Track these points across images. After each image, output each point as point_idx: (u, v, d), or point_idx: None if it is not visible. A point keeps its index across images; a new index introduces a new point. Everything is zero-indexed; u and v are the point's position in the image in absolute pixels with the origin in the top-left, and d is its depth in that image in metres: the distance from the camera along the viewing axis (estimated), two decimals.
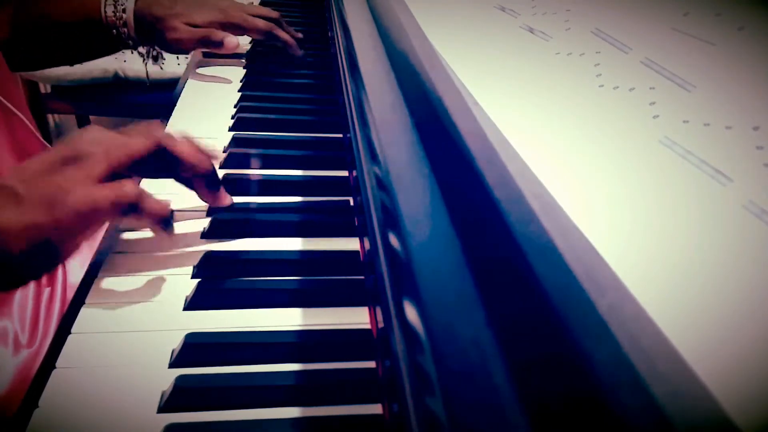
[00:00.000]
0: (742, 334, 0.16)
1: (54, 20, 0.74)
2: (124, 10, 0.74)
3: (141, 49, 0.79)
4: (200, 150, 0.47)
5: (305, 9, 1.11)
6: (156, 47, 0.82)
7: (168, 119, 0.69)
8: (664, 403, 0.14)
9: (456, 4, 0.51)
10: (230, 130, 0.66)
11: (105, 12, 0.74)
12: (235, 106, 0.72)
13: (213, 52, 0.80)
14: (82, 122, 1.77)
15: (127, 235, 0.48)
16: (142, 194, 0.41)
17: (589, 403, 0.16)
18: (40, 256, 0.39)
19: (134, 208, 0.41)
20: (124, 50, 0.81)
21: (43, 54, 0.80)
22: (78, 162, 0.40)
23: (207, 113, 0.71)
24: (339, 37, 0.63)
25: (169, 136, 0.45)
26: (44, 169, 0.40)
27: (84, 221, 0.39)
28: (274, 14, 0.82)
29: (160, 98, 1.47)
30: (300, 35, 0.85)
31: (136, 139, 0.43)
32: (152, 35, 0.76)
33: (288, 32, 0.83)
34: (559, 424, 0.17)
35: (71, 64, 0.82)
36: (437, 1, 0.53)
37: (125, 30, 0.75)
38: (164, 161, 0.45)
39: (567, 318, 0.17)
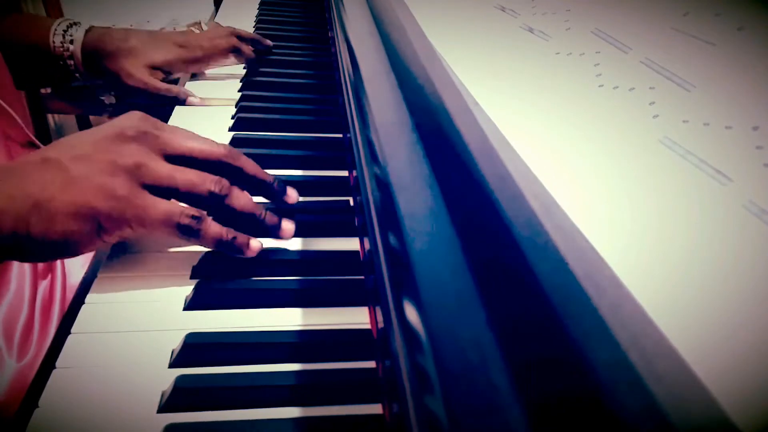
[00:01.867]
0: (742, 334, 0.16)
1: (6, 40, 0.70)
2: (71, 41, 0.69)
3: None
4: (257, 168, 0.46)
5: (305, 9, 1.11)
6: (105, 84, 0.76)
7: (168, 119, 0.69)
8: (664, 403, 0.14)
9: (456, 4, 0.51)
10: (230, 130, 0.66)
11: (53, 42, 0.69)
12: (235, 106, 0.72)
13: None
14: (82, 122, 1.77)
15: None
16: (206, 221, 0.41)
17: (588, 403, 0.16)
18: (83, 240, 0.38)
19: (194, 233, 0.41)
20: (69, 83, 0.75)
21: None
22: (137, 155, 0.40)
23: (207, 113, 0.71)
24: (339, 37, 0.63)
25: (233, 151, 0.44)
26: (96, 149, 0.39)
27: (145, 227, 0.39)
28: (227, 30, 0.79)
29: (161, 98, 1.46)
30: (270, 43, 0.84)
31: (200, 182, 0.42)
32: (104, 73, 0.71)
33: (247, 37, 0.80)
34: (559, 424, 0.17)
35: (23, 89, 0.78)
36: (437, 1, 0.53)
37: (72, 63, 0.70)
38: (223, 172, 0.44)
39: (566, 318, 0.17)
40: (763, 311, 0.17)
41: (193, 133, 0.44)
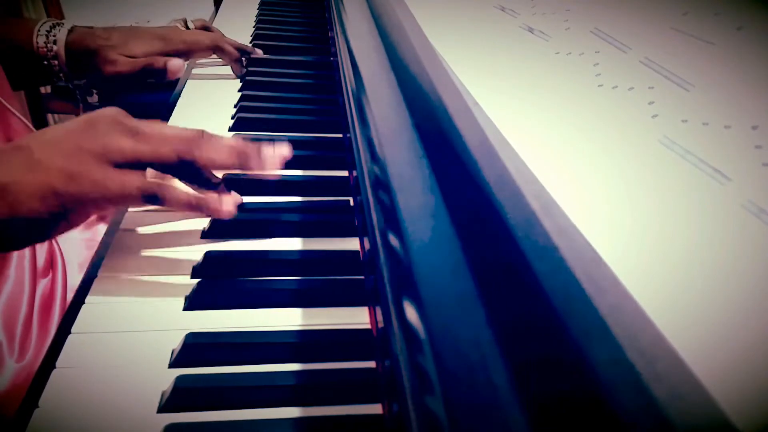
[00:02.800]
0: (741, 334, 0.16)
1: None
2: (54, 42, 0.70)
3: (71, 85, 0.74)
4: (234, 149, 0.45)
5: (305, 9, 1.11)
6: (88, 83, 0.77)
7: (168, 119, 0.69)
8: (663, 404, 0.14)
9: (456, 4, 0.51)
10: (230, 130, 0.66)
11: (36, 42, 0.70)
12: (235, 106, 0.72)
13: (158, 81, 0.75)
14: None
15: (126, 235, 0.49)
16: (165, 186, 0.41)
17: (588, 403, 0.16)
18: (49, 221, 0.39)
19: (157, 199, 0.41)
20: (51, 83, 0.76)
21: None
22: (103, 138, 0.40)
23: (207, 113, 0.71)
24: (339, 37, 0.63)
25: (199, 147, 0.43)
26: (65, 136, 0.40)
27: (107, 201, 0.39)
28: (213, 30, 0.80)
29: (160, 98, 1.47)
30: (259, 52, 0.83)
31: (164, 145, 0.42)
32: (87, 70, 0.72)
33: (233, 45, 0.80)
34: (559, 424, 0.17)
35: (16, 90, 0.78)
36: (437, 1, 0.53)
37: (56, 63, 0.71)
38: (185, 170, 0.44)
39: (566, 317, 0.17)
40: (762, 311, 0.17)
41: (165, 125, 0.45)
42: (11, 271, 0.57)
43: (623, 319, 0.17)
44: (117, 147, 0.40)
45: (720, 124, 0.24)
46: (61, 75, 0.72)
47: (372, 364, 0.38)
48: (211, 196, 0.44)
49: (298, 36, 0.97)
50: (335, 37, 0.69)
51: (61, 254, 0.65)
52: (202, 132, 0.44)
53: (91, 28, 0.73)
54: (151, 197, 0.41)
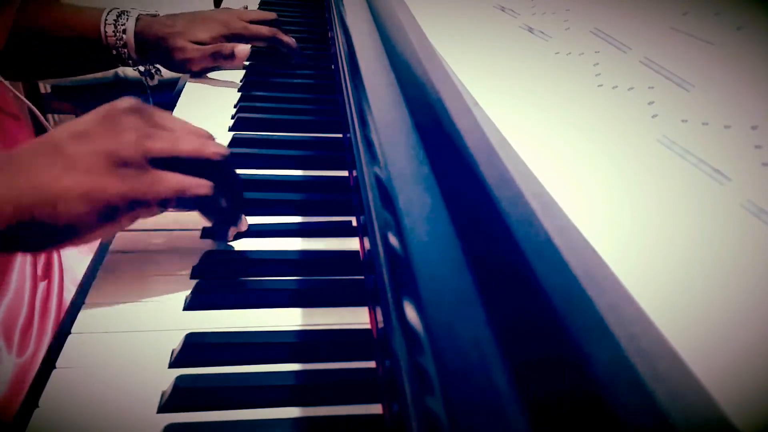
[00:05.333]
0: (741, 334, 0.16)
1: (51, 35, 0.73)
2: (124, 31, 0.72)
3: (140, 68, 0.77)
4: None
5: (305, 9, 1.11)
6: (155, 66, 0.80)
7: None
8: (663, 403, 0.14)
9: (456, 4, 0.51)
10: (230, 130, 0.66)
11: (105, 32, 0.72)
12: (235, 106, 0.72)
13: (224, 67, 0.79)
14: None
15: (126, 235, 0.49)
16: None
17: (588, 403, 0.16)
18: (92, 224, 0.37)
19: (208, 204, 0.40)
20: (115, 67, 0.80)
21: (38, 67, 0.78)
22: (134, 115, 0.39)
23: (207, 113, 0.71)
24: (339, 37, 0.63)
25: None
26: (95, 125, 0.38)
27: (159, 204, 0.38)
28: (272, 15, 0.82)
29: (161, 98, 1.47)
30: (293, 42, 0.84)
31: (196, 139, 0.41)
32: (156, 55, 0.74)
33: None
34: (559, 424, 0.17)
35: (66, 76, 0.80)
36: (437, 1, 0.53)
37: (125, 50, 0.73)
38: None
39: (566, 317, 0.17)
40: (761, 311, 0.17)
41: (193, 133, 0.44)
42: (14, 276, 0.57)
43: (623, 319, 0.17)
44: (155, 142, 0.39)
45: (720, 124, 0.24)
46: (129, 62, 0.75)
47: (372, 364, 0.38)
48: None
49: (298, 36, 0.97)
50: (335, 37, 0.69)
51: (59, 256, 0.65)
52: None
53: (156, 15, 0.76)
54: (203, 203, 0.40)
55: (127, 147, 0.37)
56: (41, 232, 0.36)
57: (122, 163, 0.37)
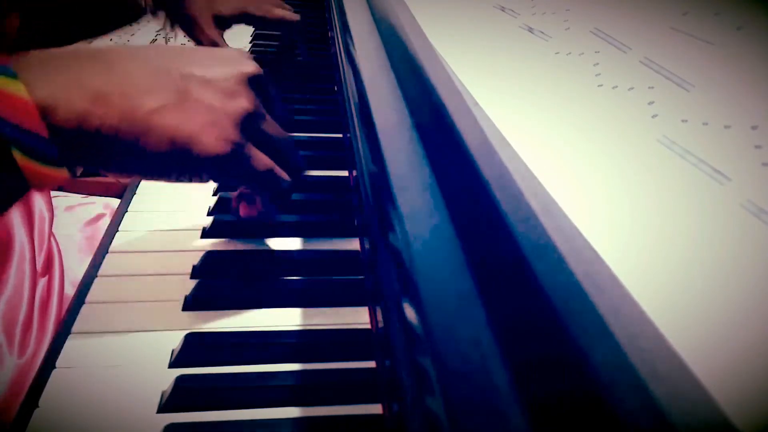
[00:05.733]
0: (741, 334, 0.16)
1: None
2: None
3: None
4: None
5: (305, 9, 1.11)
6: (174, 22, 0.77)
7: None
8: (663, 403, 0.14)
9: (456, 4, 0.51)
10: None
11: None
12: None
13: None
14: None
15: (126, 235, 0.49)
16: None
17: (587, 403, 0.16)
18: (162, 165, 0.34)
19: (283, 192, 0.40)
20: (135, 23, 0.77)
21: (58, 29, 0.75)
22: (255, 88, 0.38)
23: None
24: (339, 37, 0.63)
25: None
26: (224, 78, 0.36)
27: (245, 177, 0.38)
28: (296, 17, 0.80)
29: None
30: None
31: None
32: (175, 15, 0.72)
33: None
34: (559, 424, 0.17)
35: (88, 38, 0.77)
36: (437, 1, 0.53)
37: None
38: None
39: (565, 317, 0.17)
40: (761, 311, 0.17)
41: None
42: (12, 272, 0.57)
43: (623, 319, 0.17)
44: (265, 124, 0.38)
45: (720, 124, 0.24)
46: (149, 12, 0.74)
47: (372, 364, 0.38)
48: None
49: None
50: (335, 37, 0.69)
51: (59, 253, 0.65)
52: None
53: None
54: (277, 185, 0.39)
55: (241, 116, 0.36)
56: (125, 153, 0.33)
57: (230, 131, 0.35)
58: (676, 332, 0.16)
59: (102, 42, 0.86)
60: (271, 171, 0.39)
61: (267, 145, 0.39)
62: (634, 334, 0.16)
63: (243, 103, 0.36)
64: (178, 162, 0.34)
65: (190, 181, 0.37)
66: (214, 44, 0.73)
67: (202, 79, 0.35)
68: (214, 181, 0.41)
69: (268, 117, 0.39)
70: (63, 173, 0.32)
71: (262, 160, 0.38)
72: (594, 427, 0.16)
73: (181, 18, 0.72)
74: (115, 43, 1.45)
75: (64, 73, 0.31)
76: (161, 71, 0.34)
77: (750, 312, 0.17)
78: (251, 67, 0.38)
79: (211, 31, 0.73)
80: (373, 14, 0.57)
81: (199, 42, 0.74)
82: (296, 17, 0.78)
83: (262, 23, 0.77)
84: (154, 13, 0.74)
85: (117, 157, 0.33)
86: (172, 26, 0.76)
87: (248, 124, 0.37)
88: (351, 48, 0.51)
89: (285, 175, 0.40)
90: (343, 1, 0.64)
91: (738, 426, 0.14)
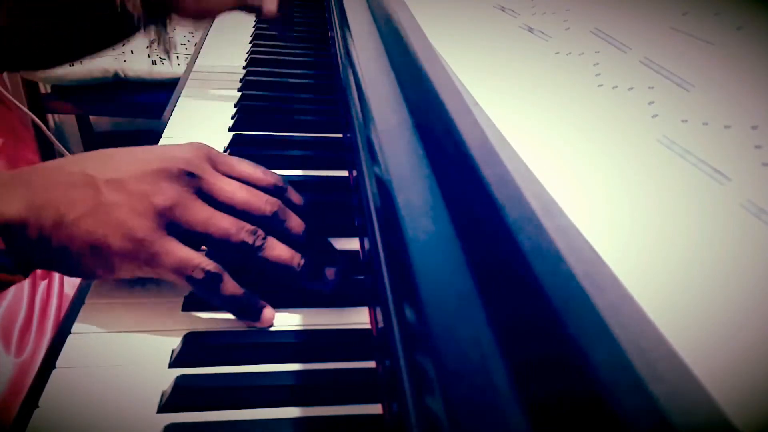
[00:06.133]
0: (741, 334, 0.16)
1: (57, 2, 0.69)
2: None
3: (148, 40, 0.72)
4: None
5: (305, 9, 1.11)
6: (165, 30, 0.74)
7: (168, 118, 0.69)
8: (663, 404, 0.14)
9: (456, 4, 0.51)
10: (230, 129, 0.67)
11: None
12: (235, 106, 0.72)
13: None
14: (82, 122, 1.77)
15: None
16: (224, 275, 0.38)
17: (587, 403, 0.16)
18: (93, 267, 0.37)
19: (209, 288, 0.38)
20: (127, 40, 0.74)
21: (43, 49, 0.74)
22: (179, 202, 0.37)
23: (207, 112, 0.71)
24: (339, 37, 0.63)
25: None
26: (138, 176, 0.37)
27: (149, 268, 0.37)
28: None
29: (161, 98, 1.47)
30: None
31: (240, 227, 0.39)
32: (159, 10, 0.69)
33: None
34: (559, 424, 0.17)
35: (72, 61, 0.76)
36: (437, 1, 0.53)
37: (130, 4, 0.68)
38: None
39: (565, 317, 0.17)
40: (761, 311, 0.17)
41: (252, 165, 0.43)
42: None
43: (623, 319, 0.17)
44: (187, 214, 0.37)
45: (720, 124, 0.24)
46: (136, 21, 0.69)
47: (372, 364, 0.38)
48: (257, 301, 0.40)
49: (298, 36, 0.97)
50: (335, 37, 0.69)
51: None
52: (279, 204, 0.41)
53: None
54: (202, 286, 0.37)
55: (152, 213, 0.37)
56: (61, 259, 0.37)
57: (136, 228, 0.36)
58: (676, 332, 0.16)
59: (96, 59, 0.85)
60: (185, 265, 0.37)
61: (196, 237, 0.38)
62: (634, 334, 0.16)
63: (156, 199, 0.37)
64: (105, 264, 0.37)
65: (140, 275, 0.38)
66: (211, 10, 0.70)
67: (116, 183, 0.37)
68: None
69: (201, 211, 0.38)
70: (19, 277, 0.37)
71: (174, 255, 0.37)
72: (594, 427, 0.16)
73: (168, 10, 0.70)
74: (114, 58, 1.43)
75: (11, 191, 0.36)
76: (81, 182, 0.37)
77: (750, 312, 0.17)
78: (176, 162, 0.38)
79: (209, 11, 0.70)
80: (373, 14, 0.57)
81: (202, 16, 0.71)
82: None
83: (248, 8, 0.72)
84: (145, 28, 0.72)
85: (61, 262, 0.37)
86: (164, 40, 0.75)
87: (165, 219, 0.37)
88: (351, 48, 0.51)
89: (208, 266, 0.37)
90: (343, 1, 0.64)
91: (738, 426, 0.14)
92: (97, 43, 0.75)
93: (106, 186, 0.37)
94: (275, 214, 0.41)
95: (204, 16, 0.73)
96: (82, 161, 0.38)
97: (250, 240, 0.39)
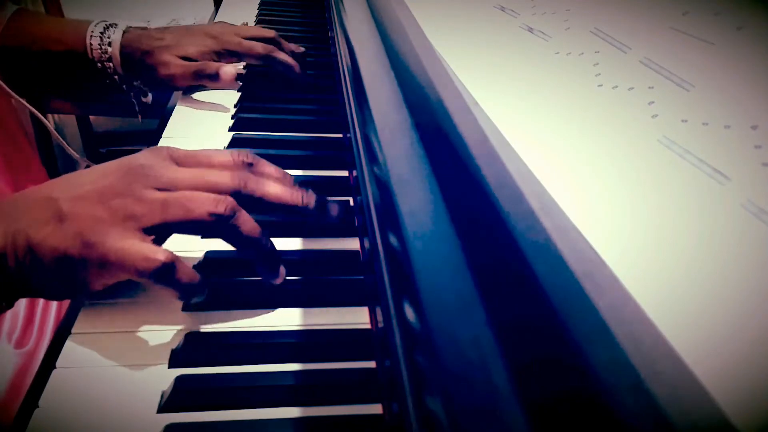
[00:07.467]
0: (741, 334, 0.16)
1: (40, 46, 0.71)
2: (109, 43, 0.69)
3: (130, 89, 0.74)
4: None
5: (305, 9, 1.11)
6: (142, 85, 0.76)
7: (168, 118, 0.69)
8: (663, 404, 0.14)
9: (456, 4, 0.51)
10: (230, 130, 0.66)
11: (90, 44, 0.69)
12: (235, 106, 0.72)
13: (209, 86, 0.73)
14: (82, 122, 1.77)
15: None
16: (177, 262, 0.37)
17: (587, 403, 0.16)
18: (68, 284, 0.37)
19: (163, 278, 0.36)
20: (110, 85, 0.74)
21: (28, 80, 0.76)
22: (132, 198, 0.37)
23: (207, 113, 0.71)
24: (339, 37, 0.63)
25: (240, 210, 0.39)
26: (94, 189, 0.37)
27: (108, 271, 0.36)
28: (271, 33, 0.76)
29: (161, 98, 1.47)
30: (302, 49, 0.78)
31: (202, 199, 0.38)
32: (141, 71, 0.71)
33: (288, 50, 0.76)
34: (559, 424, 0.17)
35: (57, 94, 0.78)
36: (437, 1, 0.53)
37: (110, 65, 0.70)
38: (223, 232, 0.39)
39: (566, 317, 0.17)
40: (762, 311, 0.17)
41: (216, 151, 0.42)
42: None
43: (623, 319, 0.17)
44: (142, 207, 0.37)
45: (720, 124, 0.24)
46: (115, 77, 0.72)
47: (372, 364, 0.38)
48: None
49: (298, 36, 0.97)
50: (335, 37, 0.69)
51: None
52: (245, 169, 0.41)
53: (145, 28, 0.72)
54: (156, 273, 0.36)
55: (109, 216, 0.37)
56: (39, 284, 0.37)
57: (90, 233, 0.36)
58: (676, 332, 0.16)
59: None
60: (135, 258, 0.36)
61: (160, 227, 0.38)
62: (634, 334, 0.16)
63: (112, 202, 0.37)
64: (75, 277, 0.36)
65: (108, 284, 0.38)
66: (191, 89, 0.72)
67: (77, 198, 0.37)
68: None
69: (156, 199, 0.38)
70: (3, 307, 0.37)
71: (125, 251, 0.36)
72: (594, 428, 0.16)
73: (148, 71, 0.70)
74: None
75: None
76: (45, 206, 0.37)
77: (750, 312, 0.17)
78: (132, 166, 0.39)
79: (185, 64, 0.70)
80: (373, 14, 0.57)
81: (172, 88, 0.73)
82: (266, 49, 0.73)
83: (237, 57, 0.73)
84: (127, 86, 0.72)
85: (40, 286, 0.37)
86: (143, 96, 0.76)
87: (122, 217, 0.37)
88: (351, 48, 0.51)
89: (157, 256, 0.36)
90: (343, 1, 0.64)
91: (738, 426, 0.14)
92: (74, 83, 0.77)
93: (66, 203, 0.37)
94: (245, 185, 0.40)
95: (168, 88, 0.73)
96: (49, 187, 0.39)
97: (218, 209, 0.38)
